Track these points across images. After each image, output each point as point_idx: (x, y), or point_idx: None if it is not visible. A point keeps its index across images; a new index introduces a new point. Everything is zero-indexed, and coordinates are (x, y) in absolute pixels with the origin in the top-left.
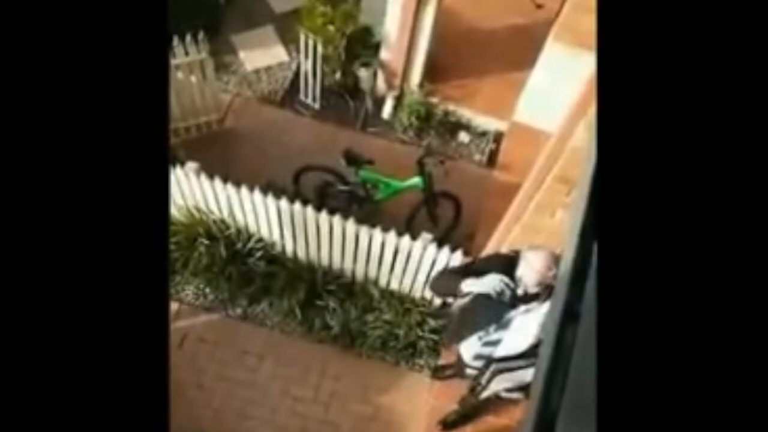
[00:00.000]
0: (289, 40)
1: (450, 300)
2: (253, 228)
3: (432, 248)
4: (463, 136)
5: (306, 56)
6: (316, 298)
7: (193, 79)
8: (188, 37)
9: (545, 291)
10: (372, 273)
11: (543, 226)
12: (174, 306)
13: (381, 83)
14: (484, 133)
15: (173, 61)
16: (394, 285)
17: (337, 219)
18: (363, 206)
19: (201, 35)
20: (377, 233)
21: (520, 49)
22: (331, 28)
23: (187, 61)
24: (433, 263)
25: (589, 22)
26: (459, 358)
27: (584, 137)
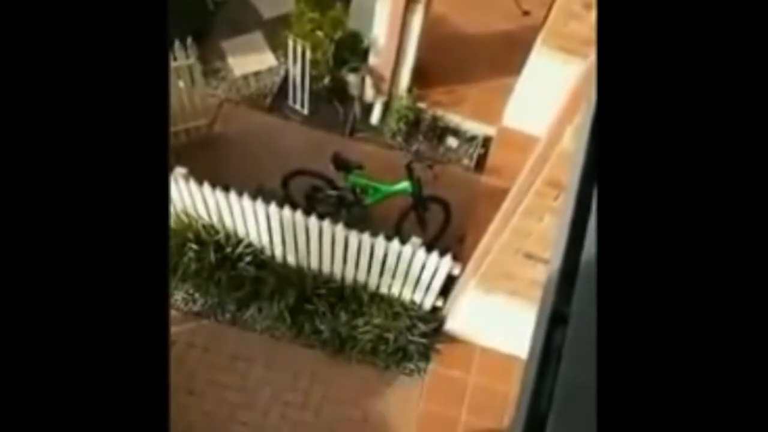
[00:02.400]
0: (277, 45)
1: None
2: (242, 233)
3: (421, 252)
4: (452, 141)
5: (294, 62)
6: (306, 302)
7: (181, 84)
8: (176, 43)
9: None
10: (361, 277)
11: (531, 230)
12: None
13: (369, 89)
14: (472, 138)
15: None
16: (384, 289)
17: (326, 224)
18: (352, 211)
19: (189, 40)
20: (366, 238)
21: (507, 55)
22: (319, 33)
23: (175, 66)
24: (423, 267)
25: (576, 28)
26: None
27: (572, 141)
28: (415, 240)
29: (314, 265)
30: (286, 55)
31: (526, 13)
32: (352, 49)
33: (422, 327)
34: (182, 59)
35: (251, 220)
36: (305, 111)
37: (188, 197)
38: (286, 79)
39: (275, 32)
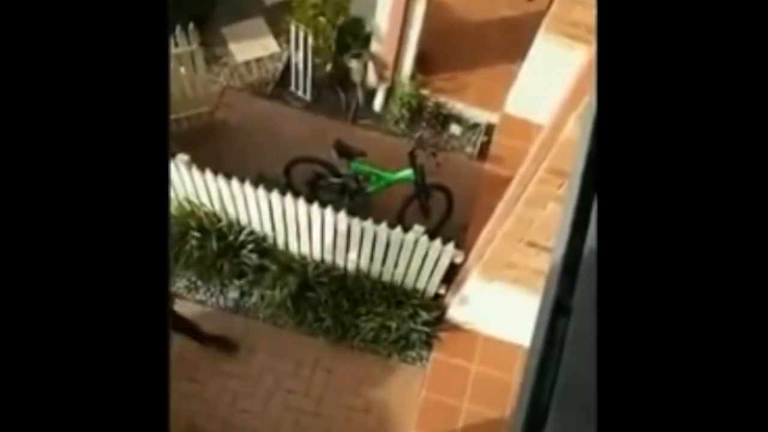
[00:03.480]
0: (279, 31)
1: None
2: (244, 221)
3: (424, 240)
4: (455, 129)
5: (297, 48)
6: (308, 290)
7: (183, 70)
8: (178, 28)
9: None
10: (364, 265)
11: (534, 218)
12: None
13: (372, 75)
14: (475, 126)
15: None
16: (386, 277)
17: (328, 211)
18: (354, 198)
19: (191, 26)
20: (369, 225)
21: (511, 41)
22: (321, 19)
23: (177, 52)
24: (425, 255)
25: (580, 14)
26: None
27: (576, 129)
28: (418, 228)
29: (316, 253)
30: (288, 41)
31: None
32: (355, 35)
33: (425, 315)
34: (184, 45)
35: (253, 208)
36: (308, 97)
37: (190, 184)
38: (288, 65)
39: (277, 18)
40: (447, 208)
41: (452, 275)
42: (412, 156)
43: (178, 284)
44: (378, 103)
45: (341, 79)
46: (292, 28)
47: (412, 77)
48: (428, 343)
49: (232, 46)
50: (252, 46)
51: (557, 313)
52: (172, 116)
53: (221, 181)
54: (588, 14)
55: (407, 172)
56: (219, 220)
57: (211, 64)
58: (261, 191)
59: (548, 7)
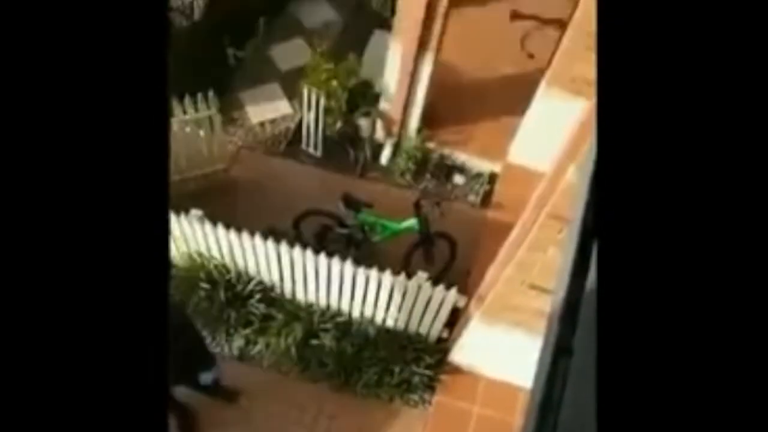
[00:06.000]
0: (293, 94)
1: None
2: (253, 271)
3: (427, 286)
4: (458, 178)
5: (309, 108)
6: (313, 337)
7: (202, 133)
8: (199, 95)
9: None
10: (368, 311)
11: (536, 262)
12: None
13: (380, 131)
14: (478, 175)
15: (184, 117)
16: (390, 323)
17: (335, 261)
18: (361, 248)
19: (210, 93)
20: (374, 273)
21: (512, 97)
22: (334, 82)
23: (197, 116)
24: (429, 301)
25: (579, 70)
26: None
27: (576, 177)
28: (422, 274)
29: (322, 300)
30: (301, 103)
31: (531, 56)
32: (364, 95)
33: (427, 359)
34: (204, 110)
35: (262, 259)
36: (318, 154)
37: (202, 238)
38: (300, 124)
39: (292, 83)
40: (450, 255)
41: (455, 319)
42: (417, 206)
43: None
44: (385, 156)
45: (351, 136)
46: (305, 91)
47: (418, 131)
48: (431, 386)
49: (248, 109)
50: (267, 109)
51: (559, 353)
52: (191, 174)
53: (232, 234)
54: (587, 70)
55: (412, 222)
56: (228, 271)
57: (227, 126)
58: (270, 243)
59: (548, 64)
